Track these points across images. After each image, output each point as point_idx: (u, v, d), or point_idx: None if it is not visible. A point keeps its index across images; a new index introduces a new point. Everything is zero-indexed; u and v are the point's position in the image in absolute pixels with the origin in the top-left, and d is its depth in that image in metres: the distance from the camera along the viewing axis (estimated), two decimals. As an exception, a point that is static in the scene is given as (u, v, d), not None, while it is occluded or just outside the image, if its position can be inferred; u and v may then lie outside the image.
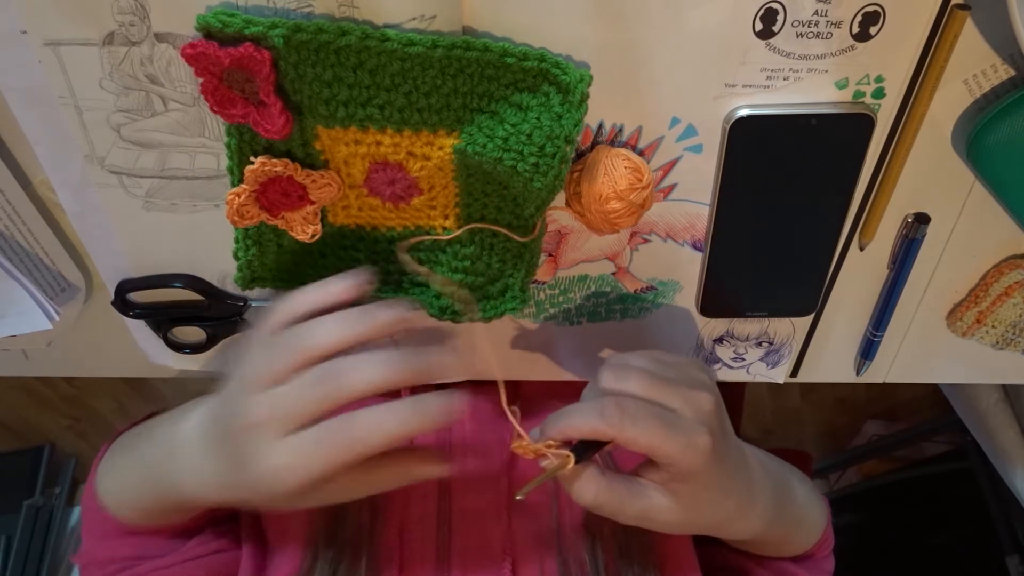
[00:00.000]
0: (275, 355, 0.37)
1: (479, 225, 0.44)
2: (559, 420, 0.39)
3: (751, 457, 0.46)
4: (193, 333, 0.53)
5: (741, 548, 0.56)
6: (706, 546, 0.55)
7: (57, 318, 0.48)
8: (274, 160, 0.41)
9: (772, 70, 0.40)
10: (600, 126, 0.43)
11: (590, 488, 0.39)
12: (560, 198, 0.45)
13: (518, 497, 0.38)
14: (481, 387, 0.58)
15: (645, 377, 0.39)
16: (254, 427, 0.36)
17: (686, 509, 0.40)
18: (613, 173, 0.42)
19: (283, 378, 0.37)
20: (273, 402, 0.36)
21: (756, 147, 0.43)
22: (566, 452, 0.38)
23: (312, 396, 0.36)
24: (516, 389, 0.60)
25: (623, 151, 0.43)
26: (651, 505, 0.40)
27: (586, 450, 0.39)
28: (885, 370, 0.57)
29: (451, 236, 0.45)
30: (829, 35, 0.39)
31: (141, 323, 0.53)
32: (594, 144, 0.43)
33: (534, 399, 0.58)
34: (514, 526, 0.50)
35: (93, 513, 0.53)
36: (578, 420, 0.38)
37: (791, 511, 0.51)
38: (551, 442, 0.39)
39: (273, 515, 0.50)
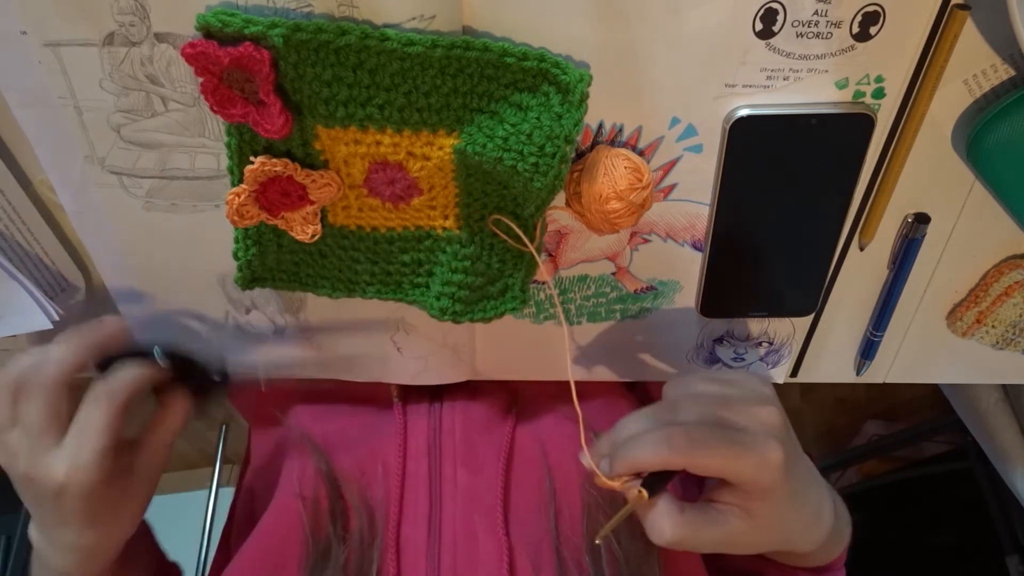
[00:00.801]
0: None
1: (499, 224, 0.45)
2: (627, 454, 0.38)
3: (813, 467, 0.45)
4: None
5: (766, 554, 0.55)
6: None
7: (57, 318, 0.48)
8: (274, 160, 0.41)
9: (772, 70, 0.40)
10: (600, 126, 0.43)
11: (667, 524, 0.38)
12: (560, 198, 0.45)
13: (597, 541, 0.39)
14: (477, 392, 0.58)
15: (708, 399, 0.39)
16: (23, 461, 0.40)
17: (764, 528, 0.39)
18: (613, 173, 0.42)
19: (10, 421, 0.41)
20: (16, 437, 0.41)
21: (756, 147, 0.43)
22: (638, 488, 0.38)
23: (35, 407, 0.40)
24: (515, 392, 0.60)
25: (623, 151, 0.43)
26: (730, 530, 0.38)
27: (659, 481, 0.38)
28: (885, 370, 0.57)
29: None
30: (829, 35, 0.39)
31: (141, 322, 0.53)
32: (594, 144, 0.43)
33: (536, 400, 0.58)
34: (511, 533, 0.50)
35: None
36: (647, 453, 0.37)
37: (839, 523, 0.51)
38: (624, 476, 0.38)
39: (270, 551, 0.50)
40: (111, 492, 0.42)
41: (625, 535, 0.49)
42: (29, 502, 0.43)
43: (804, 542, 0.44)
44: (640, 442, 0.38)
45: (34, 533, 0.45)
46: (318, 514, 0.50)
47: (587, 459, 0.40)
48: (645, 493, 0.37)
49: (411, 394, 0.58)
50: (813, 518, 0.43)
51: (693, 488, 0.50)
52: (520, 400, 0.58)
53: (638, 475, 0.39)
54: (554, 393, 0.57)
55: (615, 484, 0.38)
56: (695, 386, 0.42)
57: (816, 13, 0.38)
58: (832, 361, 0.57)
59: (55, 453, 0.40)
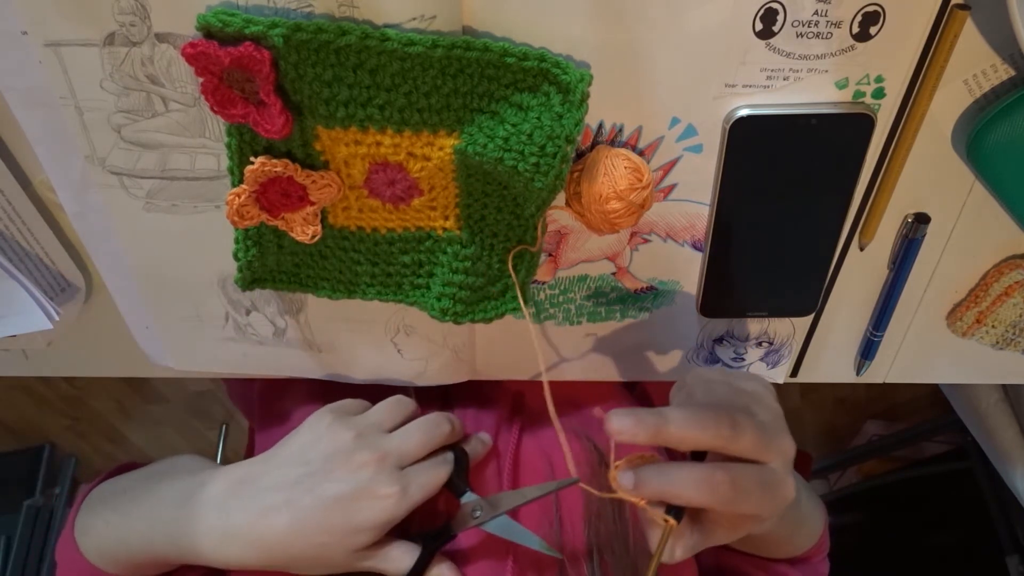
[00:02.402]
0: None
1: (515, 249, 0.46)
2: (665, 485, 0.37)
3: None
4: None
5: (741, 549, 0.56)
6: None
7: (57, 318, 0.48)
8: (274, 160, 0.41)
9: (772, 70, 0.40)
10: (600, 126, 0.43)
11: (679, 549, 0.39)
12: (560, 198, 0.45)
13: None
14: (484, 401, 0.58)
15: (756, 438, 0.38)
16: (371, 462, 0.46)
17: (741, 535, 0.40)
18: (613, 173, 0.42)
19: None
20: (388, 444, 0.47)
21: (756, 147, 0.43)
22: (667, 517, 0.38)
23: (419, 440, 0.48)
24: (521, 401, 0.59)
25: (623, 151, 0.43)
26: (715, 539, 0.40)
27: (678, 507, 0.39)
28: (885, 370, 0.57)
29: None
30: (829, 35, 0.39)
31: (141, 323, 0.53)
32: (594, 144, 0.43)
33: (540, 410, 0.58)
34: (517, 550, 0.50)
35: (72, 561, 0.53)
36: (686, 491, 0.36)
37: (796, 512, 0.51)
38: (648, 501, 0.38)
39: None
40: (377, 537, 0.45)
41: (619, 544, 0.49)
42: (332, 487, 0.45)
43: (765, 525, 0.44)
44: (681, 479, 0.37)
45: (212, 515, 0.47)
46: None
47: (620, 479, 0.38)
48: (675, 523, 0.38)
49: (419, 401, 0.58)
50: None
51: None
52: (525, 410, 0.58)
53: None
54: (558, 402, 0.57)
55: (640, 502, 0.38)
56: (722, 396, 0.41)
57: (816, 13, 0.38)
58: (832, 361, 0.57)
59: (400, 474, 0.46)
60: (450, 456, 0.49)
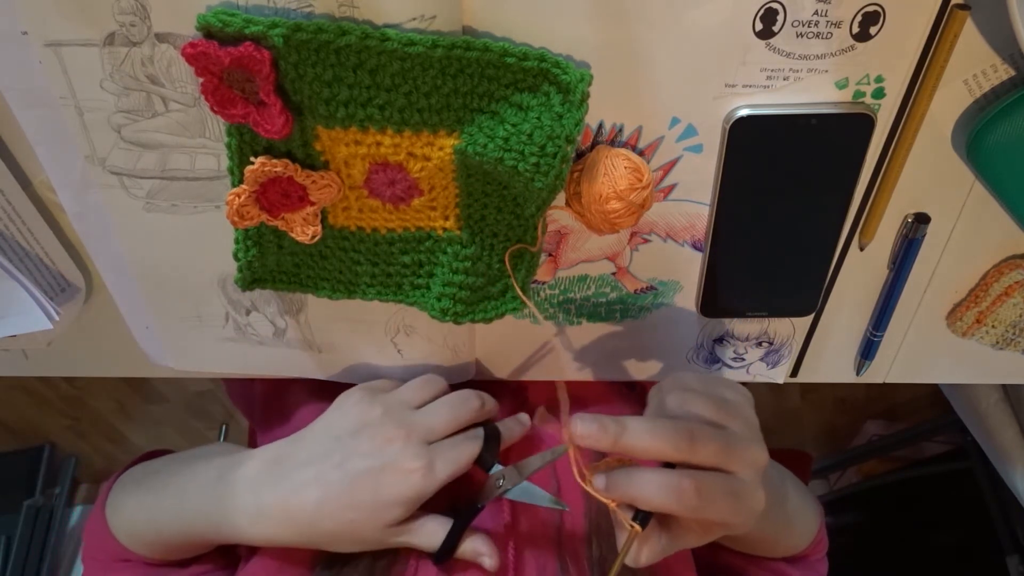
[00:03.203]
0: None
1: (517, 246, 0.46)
2: (632, 488, 0.38)
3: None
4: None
5: (736, 548, 0.56)
6: (702, 548, 0.55)
7: (57, 318, 0.48)
8: (274, 160, 0.41)
9: (772, 70, 0.40)
10: (600, 126, 0.43)
11: (645, 553, 0.40)
12: (560, 198, 0.45)
13: None
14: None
15: (717, 448, 0.39)
16: (397, 437, 0.46)
17: (712, 538, 0.41)
18: (613, 173, 0.42)
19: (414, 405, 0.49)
20: (415, 420, 0.48)
21: (756, 147, 0.43)
22: (632, 523, 0.39)
23: (447, 416, 0.48)
24: (524, 404, 0.59)
25: (623, 151, 0.43)
26: (686, 543, 0.40)
27: (646, 513, 0.39)
28: (885, 370, 0.57)
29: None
30: (829, 35, 0.39)
31: (141, 323, 0.53)
32: (594, 144, 0.43)
33: (539, 399, 0.58)
34: (518, 546, 0.50)
35: (100, 540, 0.55)
36: (652, 497, 0.37)
37: (783, 511, 0.52)
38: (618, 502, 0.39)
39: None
40: (406, 514, 0.45)
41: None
42: (359, 461, 0.45)
43: (737, 530, 0.45)
44: (647, 483, 0.38)
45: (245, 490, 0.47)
46: None
47: (594, 480, 0.40)
48: (640, 530, 0.39)
49: None
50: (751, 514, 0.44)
51: None
52: (527, 407, 0.58)
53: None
54: (558, 401, 0.57)
55: (610, 504, 0.39)
56: (694, 405, 0.41)
57: (816, 13, 0.38)
58: (832, 361, 0.57)
59: (427, 449, 0.46)
60: (480, 432, 0.48)
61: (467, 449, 0.47)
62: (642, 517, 0.39)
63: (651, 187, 0.43)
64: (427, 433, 0.47)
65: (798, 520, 0.55)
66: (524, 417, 0.54)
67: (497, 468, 0.48)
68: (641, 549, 0.40)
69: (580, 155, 0.44)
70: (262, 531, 0.47)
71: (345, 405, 0.49)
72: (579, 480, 0.40)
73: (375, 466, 0.45)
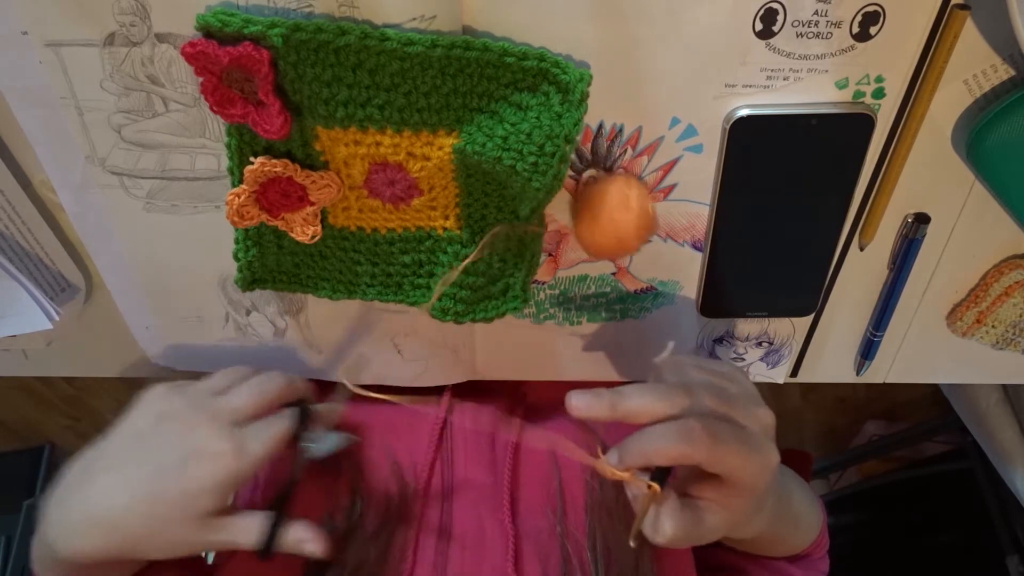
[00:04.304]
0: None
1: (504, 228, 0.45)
2: (644, 445, 0.37)
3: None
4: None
5: (738, 548, 0.56)
6: (703, 546, 0.55)
7: (57, 318, 0.48)
8: (274, 160, 0.41)
9: (772, 70, 0.40)
10: (600, 126, 0.43)
11: (669, 523, 0.37)
12: (561, 199, 0.45)
13: (632, 544, 0.38)
14: (484, 392, 0.58)
15: (718, 394, 0.38)
16: (200, 422, 0.43)
17: (730, 523, 0.39)
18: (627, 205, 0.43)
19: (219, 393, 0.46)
20: (218, 403, 0.44)
21: (756, 147, 0.43)
22: (650, 483, 0.37)
23: (251, 396, 0.45)
24: (522, 393, 0.60)
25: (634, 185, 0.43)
26: (707, 526, 0.38)
27: (664, 475, 0.38)
28: (885, 370, 0.57)
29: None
30: (829, 35, 0.39)
31: (141, 323, 0.53)
32: (595, 144, 0.43)
33: (542, 401, 0.58)
34: (518, 524, 0.50)
35: None
36: (665, 445, 0.36)
37: (788, 512, 0.51)
38: (631, 471, 0.38)
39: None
40: (221, 503, 0.42)
41: (620, 532, 0.49)
42: (164, 454, 0.43)
43: (748, 530, 0.44)
44: (658, 435, 0.37)
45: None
46: (331, 506, 0.50)
47: (609, 455, 0.39)
48: (658, 488, 0.37)
49: (419, 393, 0.58)
50: (760, 508, 0.43)
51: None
52: (527, 401, 0.58)
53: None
54: (560, 396, 0.57)
55: (625, 476, 0.38)
56: (691, 374, 0.41)
57: (816, 13, 0.38)
58: (832, 361, 0.57)
59: (235, 431, 0.43)
60: (291, 411, 0.45)
61: (278, 425, 0.44)
62: (658, 478, 0.37)
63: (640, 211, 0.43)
64: (233, 414, 0.44)
65: (802, 518, 0.55)
66: (337, 405, 0.50)
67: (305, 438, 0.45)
68: (662, 518, 0.38)
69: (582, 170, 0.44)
70: (74, 545, 0.43)
71: (144, 401, 0.46)
72: (590, 462, 0.39)
73: (180, 455, 0.42)
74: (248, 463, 0.42)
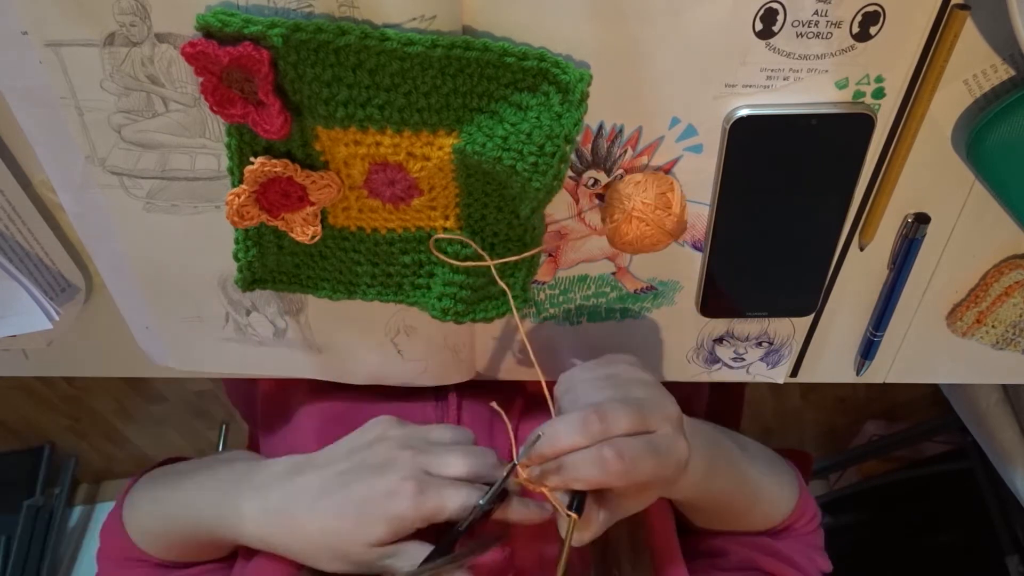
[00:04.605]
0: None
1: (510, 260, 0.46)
2: (563, 473, 0.40)
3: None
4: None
5: (709, 527, 0.57)
6: (685, 535, 0.55)
7: (57, 318, 0.48)
8: (274, 161, 0.41)
9: (772, 70, 0.40)
10: (600, 126, 0.43)
11: (589, 534, 0.42)
12: (562, 200, 0.45)
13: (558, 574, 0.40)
14: (481, 390, 0.58)
15: (625, 405, 0.41)
16: (404, 459, 0.46)
17: (647, 500, 0.43)
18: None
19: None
20: (429, 449, 0.47)
21: (756, 147, 0.43)
22: (569, 514, 0.40)
23: (460, 460, 0.47)
24: (522, 390, 0.60)
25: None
26: (626, 511, 0.43)
27: (580, 498, 0.41)
28: (885, 370, 0.57)
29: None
30: (829, 35, 0.39)
31: (141, 323, 0.53)
32: (595, 144, 0.43)
33: (540, 399, 0.58)
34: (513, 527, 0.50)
35: (116, 540, 0.56)
36: (583, 475, 0.39)
37: (731, 473, 0.52)
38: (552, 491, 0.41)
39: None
40: (390, 535, 0.44)
41: (619, 529, 0.49)
42: (360, 484, 0.45)
43: (674, 492, 0.47)
44: (575, 465, 0.39)
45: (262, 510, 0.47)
46: None
47: (528, 472, 0.41)
48: (576, 517, 0.40)
49: (415, 393, 0.58)
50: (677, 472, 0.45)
51: None
52: (525, 398, 0.58)
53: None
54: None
55: (554, 501, 0.41)
56: (590, 392, 0.43)
57: (816, 13, 0.38)
58: (832, 361, 0.57)
59: (424, 477, 0.45)
60: (481, 487, 0.45)
61: (465, 496, 0.44)
62: (578, 502, 0.41)
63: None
64: (434, 465, 0.46)
65: (762, 485, 0.56)
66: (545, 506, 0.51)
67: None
68: (584, 533, 0.41)
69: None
70: (258, 531, 0.47)
71: (369, 425, 0.49)
72: (522, 474, 0.41)
73: (373, 479, 0.45)
74: (421, 510, 0.44)
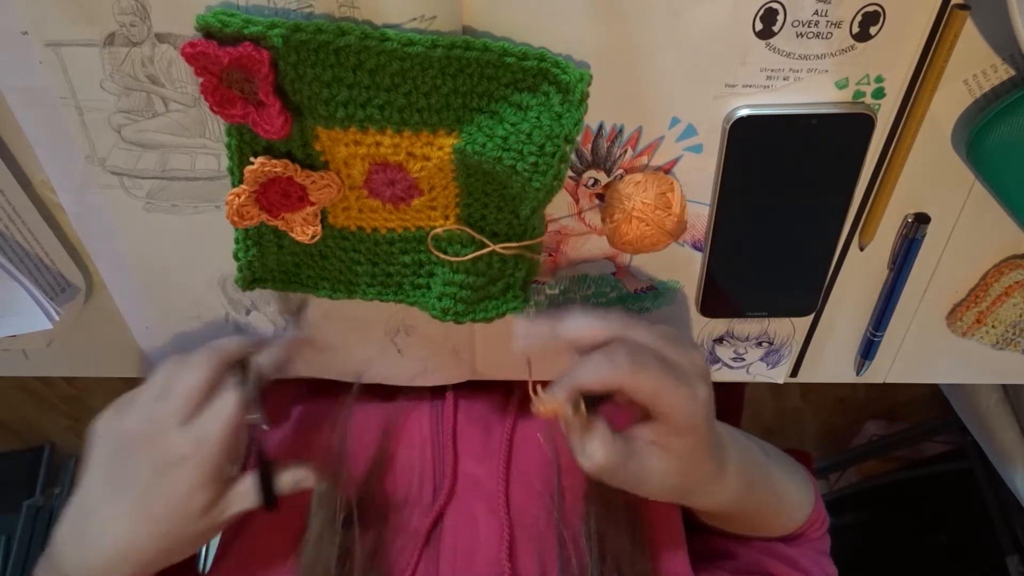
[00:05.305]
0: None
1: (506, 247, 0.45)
2: (572, 373, 0.39)
3: (721, 425, 0.47)
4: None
5: (725, 530, 0.56)
6: (692, 533, 0.55)
7: (57, 318, 0.48)
8: (274, 161, 0.41)
9: (772, 70, 0.40)
10: (600, 126, 0.43)
11: (599, 449, 0.39)
12: (562, 200, 0.45)
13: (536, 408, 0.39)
14: (478, 385, 0.58)
15: (649, 328, 0.40)
16: (154, 434, 0.44)
17: (677, 470, 0.41)
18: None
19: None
20: (160, 410, 0.45)
21: (756, 147, 0.43)
22: (577, 406, 0.39)
23: (187, 388, 0.45)
24: (521, 390, 0.60)
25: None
26: (648, 467, 0.40)
27: (593, 403, 0.39)
28: (885, 370, 0.57)
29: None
30: (829, 35, 0.39)
31: (141, 323, 0.53)
32: (595, 144, 0.43)
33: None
34: (513, 516, 0.50)
35: None
36: (589, 369, 0.38)
37: (763, 485, 0.52)
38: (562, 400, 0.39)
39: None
40: (211, 492, 0.44)
41: (618, 525, 0.49)
42: (137, 476, 0.44)
43: (706, 496, 0.45)
44: (584, 361, 0.39)
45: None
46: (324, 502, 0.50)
47: (533, 391, 0.40)
48: (583, 407, 0.38)
49: (412, 388, 0.58)
50: (717, 473, 0.44)
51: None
52: (523, 391, 0.58)
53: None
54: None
55: (556, 406, 0.39)
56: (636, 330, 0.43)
57: (816, 13, 0.38)
58: (832, 361, 0.57)
59: (188, 427, 0.44)
60: (229, 380, 0.46)
61: (225, 403, 0.45)
62: (589, 406, 0.39)
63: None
64: (179, 413, 0.44)
65: (786, 494, 0.55)
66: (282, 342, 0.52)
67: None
68: (593, 443, 0.39)
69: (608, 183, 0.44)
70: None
71: (98, 436, 0.46)
72: (532, 397, 0.40)
73: (150, 472, 0.43)
74: (213, 449, 0.43)
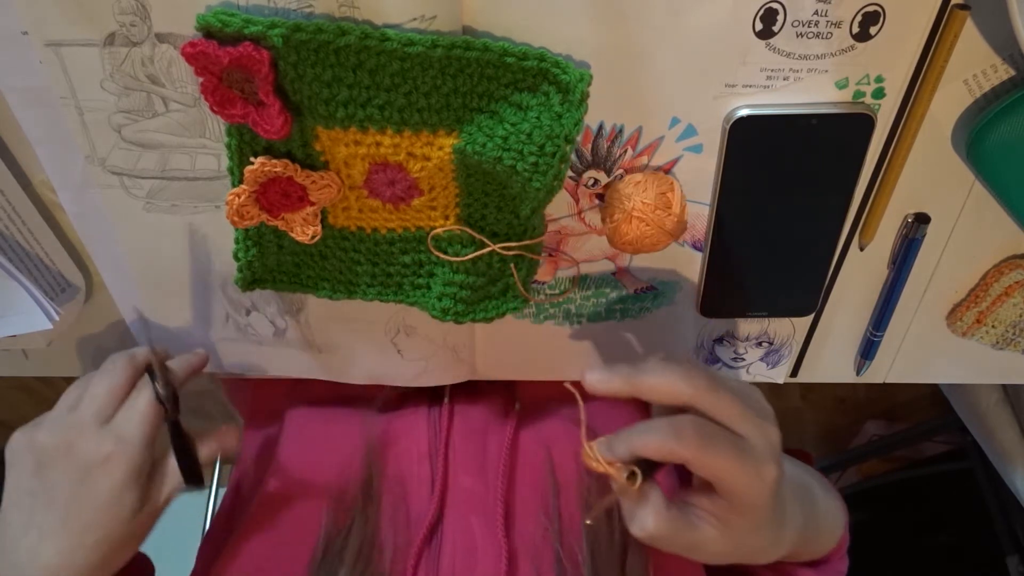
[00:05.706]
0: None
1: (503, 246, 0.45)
2: (632, 434, 0.36)
3: (797, 484, 0.44)
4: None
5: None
6: None
7: (57, 318, 0.48)
8: (274, 161, 0.41)
9: (772, 70, 0.40)
10: (600, 126, 0.43)
11: (651, 518, 0.37)
12: (562, 200, 0.45)
13: (588, 522, 0.37)
14: (477, 394, 0.58)
15: (732, 398, 0.37)
16: (73, 440, 0.43)
17: (733, 543, 0.38)
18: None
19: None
20: (76, 416, 0.44)
21: (756, 147, 0.43)
22: (632, 469, 0.36)
23: (103, 390, 0.45)
24: (516, 394, 0.60)
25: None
26: (702, 538, 0.37)
27: (648, 470, 0.37)
28: (885, 370, 0.57)
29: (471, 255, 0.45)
30: (829, 35, 0.39)
31: (141, 323, 0.53)
32: (595, 144, 0.43)
33: (537, 402, 0.58)
34: (512, 535, 0.50)
35: None
36: (654, 438, 0.36)
37: (813, 528, 0.50)
38: (616, 462, 0.37)
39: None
40: (139, 488, 0.43)
41: (617, 534, 0.49)
42: (61, 488, 0.43)
43: (760, 559, 0.42)
44: (647, 427, 0.36)
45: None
46: (330, 523, 0.50)
47: (586, 444, 0.38)
48: (639, 475, 0.36)
49: (410, 396, 0.58)
50: (775, 542, 0.42)
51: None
52: (522, 402, 0.58)
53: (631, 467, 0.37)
54: (556, 395, 0.57)
55: (609, 468, 0.37)
56: (703, 380, 0.39)
57: (816, 13, 0.38)
58: (832, 361, 0.57)
59: (107, 428, 0.43)
60: (144, 379, 0.46)
61: (141, 400, 0.44)
62: (642, 471, 0.36)
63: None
64: (96, 417, 0.44)
65: (826, 527, 0.53)
66: (199, 351, 0.51)
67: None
68: (646, 510, 0.37)
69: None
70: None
71: (14, 458, 0.45)
72: (585, 446, 0.38)
73: (74, 480, 0.42)
74: (135, 447, 0.43)
